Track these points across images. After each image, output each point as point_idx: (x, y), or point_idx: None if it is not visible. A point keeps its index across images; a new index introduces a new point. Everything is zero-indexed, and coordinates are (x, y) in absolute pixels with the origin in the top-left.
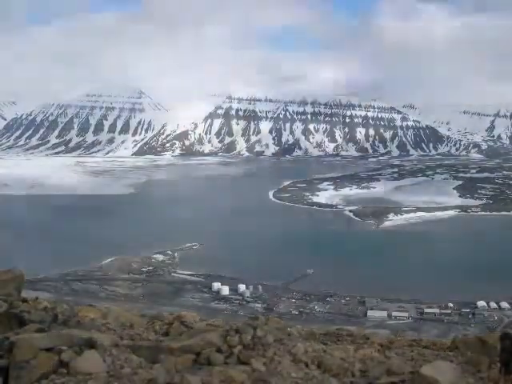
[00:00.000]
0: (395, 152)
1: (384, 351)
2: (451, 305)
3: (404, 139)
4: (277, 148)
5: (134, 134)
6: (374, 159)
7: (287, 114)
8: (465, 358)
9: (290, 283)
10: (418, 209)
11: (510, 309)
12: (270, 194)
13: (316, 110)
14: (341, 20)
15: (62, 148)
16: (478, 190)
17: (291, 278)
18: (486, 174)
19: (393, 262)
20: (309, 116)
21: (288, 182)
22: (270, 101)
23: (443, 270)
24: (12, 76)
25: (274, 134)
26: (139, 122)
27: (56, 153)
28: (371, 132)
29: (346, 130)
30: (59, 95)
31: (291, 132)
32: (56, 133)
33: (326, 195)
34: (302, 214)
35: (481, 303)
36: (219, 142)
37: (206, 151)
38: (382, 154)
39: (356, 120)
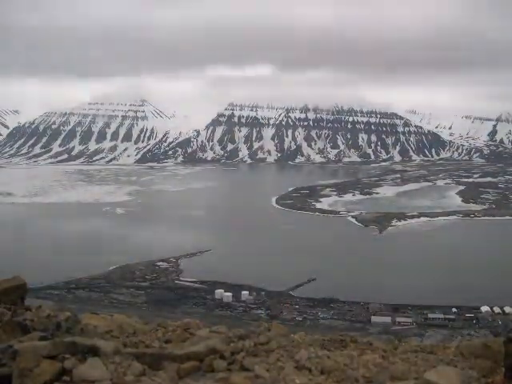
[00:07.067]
0: (397, 157)
1: (388, 357)
2: (455, 310)
3: (406, 145)
4: (279, 154)
5: (137, 141)
6: (377, 165)
7: (289, 120)
8: (469, 363)
9: (294, 289)
10: (421, 214)
11: None
12: (273, 200)
13: (318, 116)
14: None
15: (65, 156)
16: (481, 195)
17: (294, 284)
18: (488, 179)
19: (396, 267)
20: (311, 122)
21: (291, 189)
22: (272, 107)
23: (446, 276)
24: None
25: (276, 141)
26: (142, 130)
27: (59, 161)
28: (373, 138)
29: (348, 136)
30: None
31: (293, 138)
32: (59, 141)
33: (328, 201)
34: (304, 220)
35: (484, 308)
36: (222, 148)
37: (209, 158)
38: (385, 160)
39: (358, 126)
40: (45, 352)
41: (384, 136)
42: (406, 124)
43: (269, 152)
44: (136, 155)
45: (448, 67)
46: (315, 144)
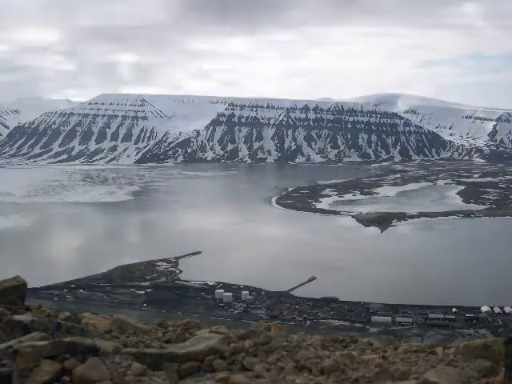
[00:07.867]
0: (398, 157)
1: (388, 357)
2: (455, 310)
3: (406, 144)
4: (279, 154)
5: (137, 141)
6: (377, 165)
7: (290, 120)
8: (469, 363)
9: (294, 289)
10: (421, 214)
11: None
12: (273, 200)
13: (318, 116)
14: None
15: (65, 156)
16: (481, 195)
17: (295, 284)
18: (488, 179)
19: (396, 267)
20: (311, 122)
21: (291, 189)
22: (273, 107)
23: (446, 275)
24: None
25: (276, 141)
26: (142, 130)
27: (59, 161)
28: (373, 138)
29: (349, 136)
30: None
31: (293, 138)
32: (59, 141)
33: (329, 201)
34: (305, 220)
35: (484, 308)
36: (222, 148)
37: (209, 158)
38: (385, 160)
39: (358, 126)
40: (45, 352)
41: (384, 136)
42: (406, 124)
43: (269, 152)
44: (136, 155)
45: None
46: (315, 144)
